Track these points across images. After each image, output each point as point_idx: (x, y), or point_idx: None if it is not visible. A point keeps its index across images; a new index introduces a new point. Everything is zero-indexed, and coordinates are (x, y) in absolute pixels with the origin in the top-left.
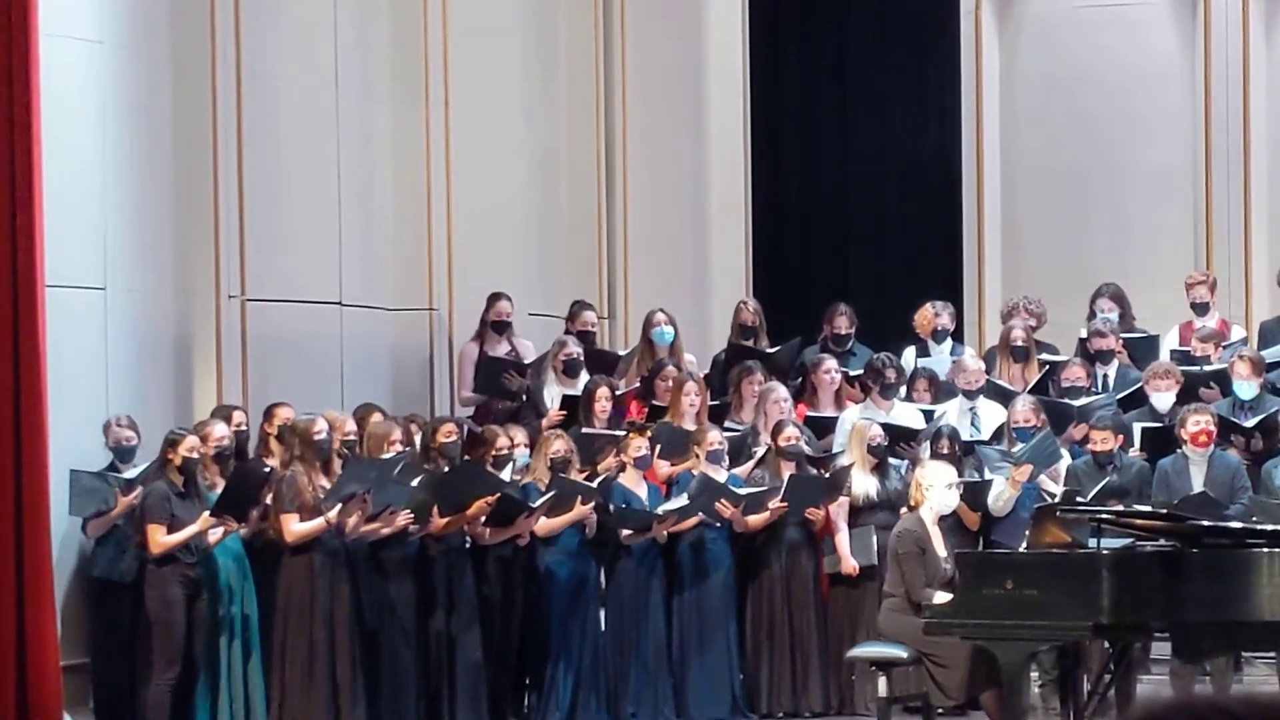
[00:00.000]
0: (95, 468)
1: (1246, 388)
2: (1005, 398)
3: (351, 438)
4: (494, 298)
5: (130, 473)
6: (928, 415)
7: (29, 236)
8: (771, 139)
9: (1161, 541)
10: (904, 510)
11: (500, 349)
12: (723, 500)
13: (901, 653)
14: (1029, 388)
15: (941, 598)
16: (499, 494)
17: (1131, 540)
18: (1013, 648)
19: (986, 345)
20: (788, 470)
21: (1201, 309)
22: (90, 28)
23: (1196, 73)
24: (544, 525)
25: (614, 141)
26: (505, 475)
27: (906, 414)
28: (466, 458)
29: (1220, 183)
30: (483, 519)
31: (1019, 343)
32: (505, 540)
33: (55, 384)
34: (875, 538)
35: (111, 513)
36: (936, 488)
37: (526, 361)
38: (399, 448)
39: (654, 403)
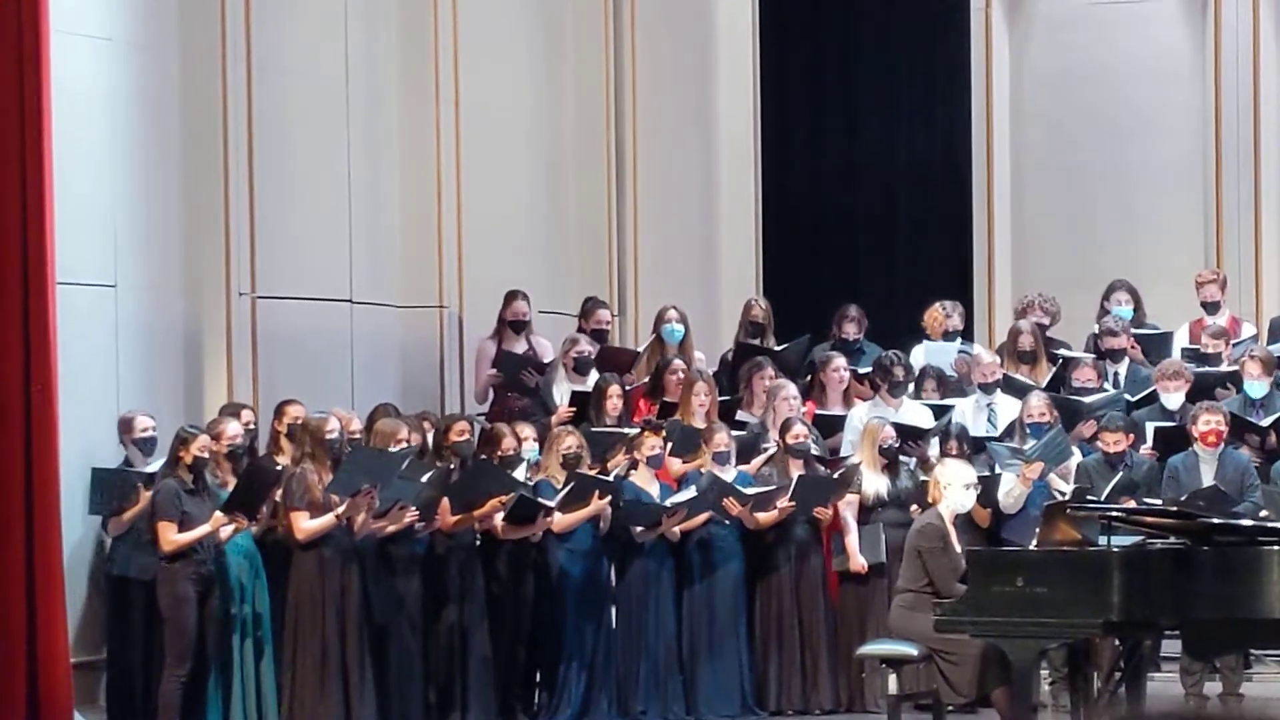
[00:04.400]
0: (105, 465)
1: (1257, 387)
2: (1020, 392)
3: (357, 436)
4: (510, 296)
5: (152, 466)
6: (937, 412)
7: (39, 233)
8: (781, 137)
9: (1172, 539)
10: (915, 508)
11: (518, 348)
12: (730, 499)
13: (911, 650)
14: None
15: None
16: (513, 493)
17: (1142, 538)
18: (1023, 645)
19: (997, 343)
20: (796, 468)
21: (1213, 308)
22: (100, 25)
23: (1207, 69)
24: (561, 520)
25: (623, 139)
26: (517, 474)
27: (915, 412)
28: (483, 456)
29: (1230, 179)
30: (500, 516)
31: (1026, 348)
32: (518, 537)
33: (65, 380)
34: (884, 536)
35: (134, 509)
36: (954, 487)
37: (545, 360)
38: (406, 446)
39: (664, 399)
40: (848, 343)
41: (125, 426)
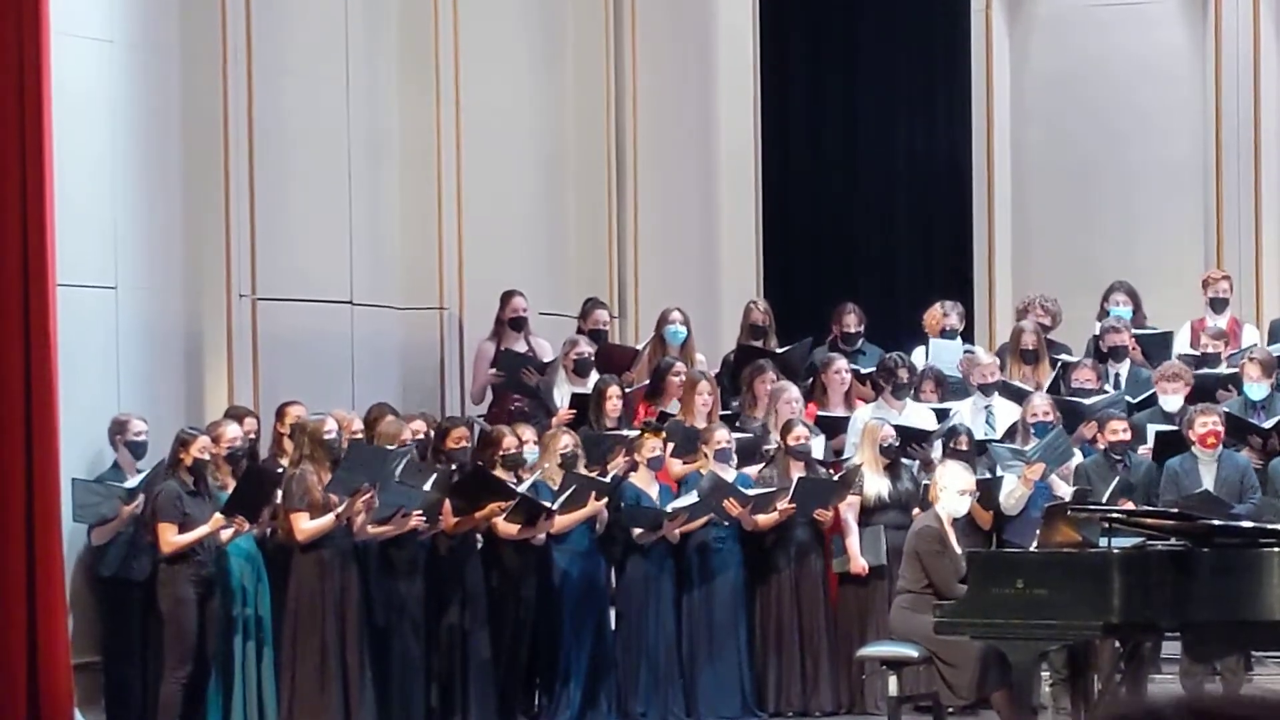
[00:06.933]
0: (105, 466)
1: (1257, 389)
2: (1019, 396)
3: (358, 437)
4: (507, 295)
5: (132, 481)
6: (940, 415)
7: (40, 235)
8: (781, 137)
9: (1172, 541)
10: (916, 510)
11: (517, 348)
12: (731, 499)
13: (912, 652)
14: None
15: None
16: (511, 498)
17: (1142, 539)
18: (1023, 647)
19: (997, 343)
20: (797, 470)
21: (1220, 304)
22: (101, 26)
23: (1207, 69)
24: (558, 521)
25: (624, 140)
26: (520, 475)
27: (918, 413)
28: (480, 463)
29: (1231, 180)
30: (501, 517)
31: (1029, 347)
32: (517, 539)
33: (66, 382)
34: (885, 538)
35: (114, 522)
36: (949, 491)
37: (545, 360)
38: (409, 445)
39: (664, 404)
40: (849, 336)
41: (118, 428)
